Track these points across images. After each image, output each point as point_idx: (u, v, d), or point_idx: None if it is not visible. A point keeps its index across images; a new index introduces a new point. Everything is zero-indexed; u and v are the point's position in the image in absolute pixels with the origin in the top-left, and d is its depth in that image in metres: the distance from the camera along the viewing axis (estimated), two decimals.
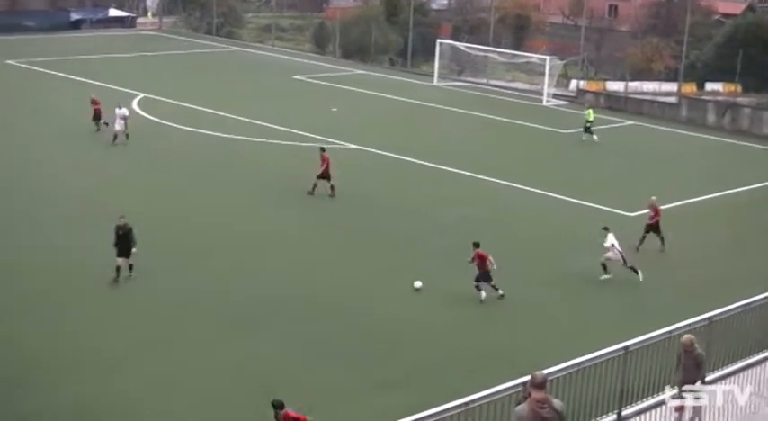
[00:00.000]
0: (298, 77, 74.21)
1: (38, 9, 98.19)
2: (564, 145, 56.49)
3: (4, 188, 41.27)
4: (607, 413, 19.90)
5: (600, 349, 19.46)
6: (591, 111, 58.07)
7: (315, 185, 41.32)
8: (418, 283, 31.60)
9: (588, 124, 56.72)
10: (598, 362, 19.03)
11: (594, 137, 56.59)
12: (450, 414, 16.05)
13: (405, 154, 50.25)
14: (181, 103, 60.25)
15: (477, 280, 31.13)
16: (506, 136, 58.23)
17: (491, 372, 23.94)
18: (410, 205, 41.53)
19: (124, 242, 30.71)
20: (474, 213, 40.66)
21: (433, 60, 77.13)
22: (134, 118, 53.79)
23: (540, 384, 14.12)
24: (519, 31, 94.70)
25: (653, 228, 36.74)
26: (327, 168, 41.40)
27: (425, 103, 65.55)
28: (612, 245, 33.36)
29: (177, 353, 26.59)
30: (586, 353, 19.11)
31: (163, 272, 32.22)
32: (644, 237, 36.74)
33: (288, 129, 54.16)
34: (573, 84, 76.07)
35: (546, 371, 15.28)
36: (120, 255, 30.70)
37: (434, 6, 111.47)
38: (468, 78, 77.86)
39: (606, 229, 33.53)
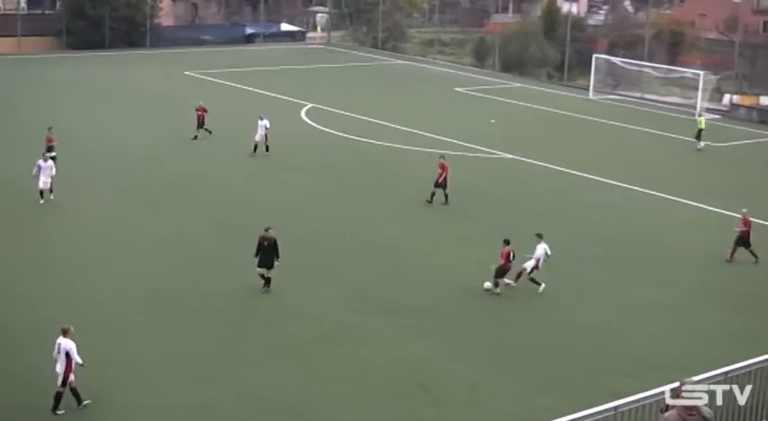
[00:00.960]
0: (458, 90, 74.35)
1: (215, 23, 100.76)
2: (716, 158, 55.34)
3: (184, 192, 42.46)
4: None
5: (752, 357, 19.02)
6: (703, 119, 58.07)
7: (433, 194, 40.85)
8: (487, 284, 31.49)
9: (701, 132, 56.82)
10: (749, 371, 18.58)
11: (701, 144, 56.54)
12: (596, 418, 15.90)
13: (560, 164, 49.95)
14: (346, 113, 60.99)
15: (497, 275, 31.29)
16: (659, 148, 57.17)
17: (642, 379, 23.74)
18: (565, 214, 41.35)
19: (268, 254, 30.12)
20: (625, 222, 40.30)
21: (589, 74, 76.32)
22: (301, 126, 54.83)
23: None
24: (674, 47, 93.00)
25: (742, 240, 35.40)
26: (446, 177, 40.84)
27: (581, 116, 64.93)
28: (540, 257, 31.68)
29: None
30: (737, 362, 18.71)
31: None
32: (734, 250, 35.43)
33: (448, 139, 54.31)
34: (726, 98, 74.26)
35: (695, 378, 15.02)
36: (261, 265, 30.14)
37: (591, 22, 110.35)
38: (623, 92, 76.80)
39: (540, 237, 31.82)
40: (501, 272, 31.43)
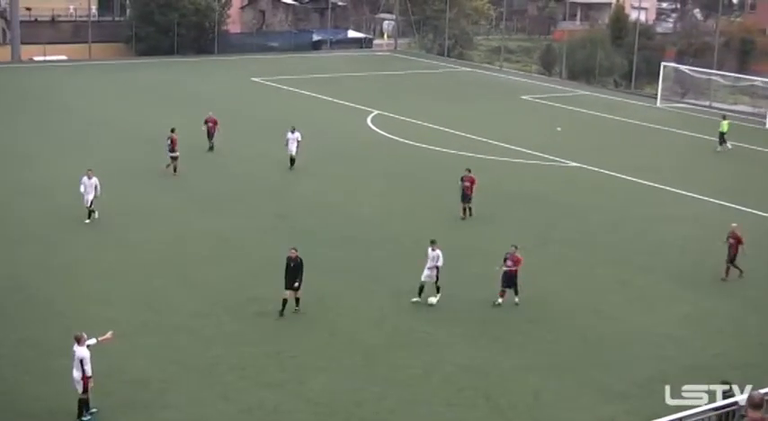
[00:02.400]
0: (525, 97, 74.25)
1: (282, 30, 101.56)
2: None
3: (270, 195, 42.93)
4: None
5: None
6: (726, 122, 57.71)
7: (465, 210, 40.07)
8: (432, 300, 30.99)
9: (723, 134, 57.00)
10: None
11: (729, 145, 56.79)
12: None
13: (626, 173, 49.72)
14: (412, 121, 61.20)
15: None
16: (728, 158, 56.60)
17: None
18: (628, 223, 41.15)
19: (293, 274, 29.15)
20: (695, 233, 40.05)
21: (657, 82, 75.80)
22: (367, 134, 55.09)
23: (757, 404, 13.61)
24: (743, 55, 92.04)
25: (732, 257, 34.18)
26: (473, 189, 39.70)
27: (648, 124, 64.53)
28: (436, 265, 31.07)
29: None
30: None
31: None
32: (728, 269, 34.28)
33: (514, 147, 54.35)
34: None
35: (763, 391, 14.91)
36: (288, 287, 29.19)
37: (659, 30, 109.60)
38: (692, 100, 76.23)
39: (434, 243, 30.67)
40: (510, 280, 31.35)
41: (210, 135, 49.77)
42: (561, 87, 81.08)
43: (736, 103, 77.00)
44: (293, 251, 29.25)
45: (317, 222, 39.12)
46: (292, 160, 46.93)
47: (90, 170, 37.81)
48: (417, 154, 52.65)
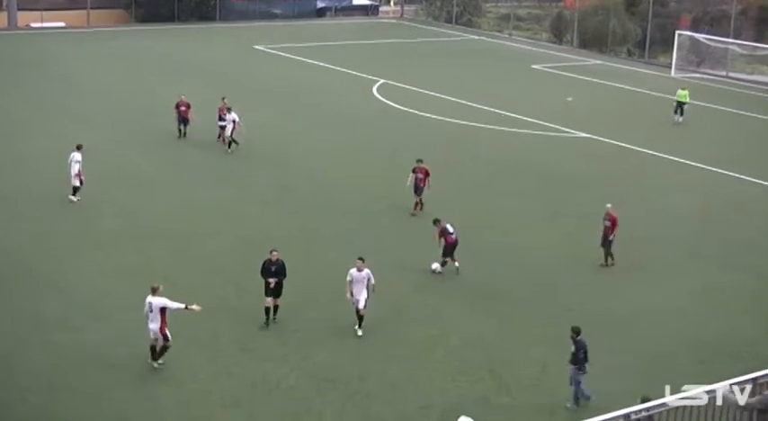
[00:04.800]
0: (535, 66, 74.13)
1: None
2: None
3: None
4: None
5: None
6: (685, 92, 56.64)
7: (416, 203, 37.44)
8: (435, 265, 31.56)
9: (681, 105, 55.82)
10: None
11: (680, 118, 55.64)
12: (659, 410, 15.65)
13: (638, 144, 49.79)
14: (419, 90, 61.20)
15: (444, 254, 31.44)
16: (744, 129, 56.63)
17: (714, 365, 23.90)
18: (639, 195, 41.36)
19: (275, 280, 27.08)
20: (708, 205, 40.40)
21: (672, 51, 75.62)
22: (373, 103, 55.19)
23: None
24: (761, 23, 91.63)
25: (608, 241, 32.68)
26: (426, 181, 37.07)
27: (662, 95, 64.36)
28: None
29: None
30: None
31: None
32: (607, 254, 32.81)
33: (524, 118, 54.36)
34: None
35: None
36: (269, 294, 27.16)
37: None
38: (707, 70, 76.07)
39: (361, 261, 27.29)
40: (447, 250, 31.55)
41: (183, 121, 45.98)
42: (572, 56, 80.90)
43: (753, 73, 76.83)
44: (275, 253, 27.08)
45: (319, 194, 39.35)
46: (230, 143, 44.53)
47: (79, 146, 37.49)
48: (424, 124, 52.70)
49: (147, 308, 24.27)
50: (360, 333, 26.74)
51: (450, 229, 31.52)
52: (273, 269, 26.97)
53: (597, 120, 55.27)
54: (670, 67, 74.69)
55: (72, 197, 36.98)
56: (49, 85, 57.88)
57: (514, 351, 26.59)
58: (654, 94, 64.90)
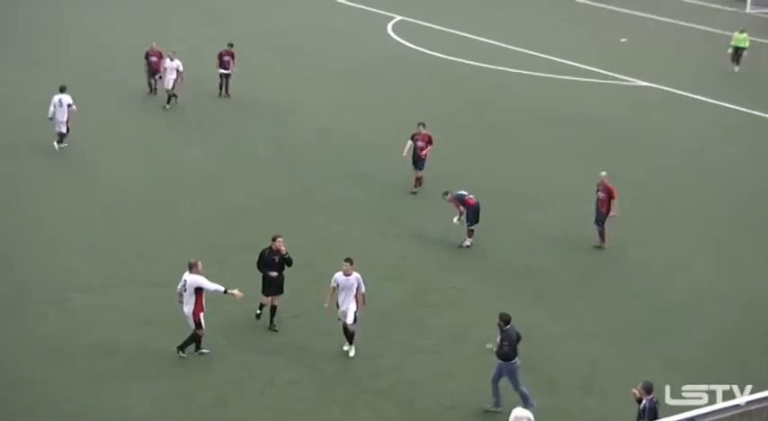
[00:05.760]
0: (581, 0, 73.49)
1: None
2: None
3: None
4: None
5: None
6: (744, 35, 55.56)
7: (416, 179, 36.33)
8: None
9: (739, 51, 54.92)
10: None
11: (737, 68, 54.91)
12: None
13: (702, 93, 49.38)
14: (440, 28, 60.64)
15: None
16: None
17: None
18: (707, 156, 41.02)
19: (277, 275, 26.03)
20: None
21: None
22: (387, 44, 54.67)
23: None
24: None
25: (602, 215, 31.72)
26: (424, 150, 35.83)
27: (733, 33, 63.66)
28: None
29: None
30: None
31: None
32: (602, 233, 31.94)
33: (567, 62, 53.88)
34: None
35: None
36: (268, 292, 26.10)
37: None
38: None
39: (349, 263, 25.26)
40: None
41: (154, 74, 45.57)
42: None
43: None
44: (279, 240, 25.86)
45: (323, 153, 39.11)
46: (170, 97, 43.83)
47: (62, 87, 37.83)
48: (446, 69, 52.17)
49: (180, 286, 24.43)
50: (351, 353, 25.17)
51: (466, 193, 31.24)
52: (276, 260, 25.88)
53: (656, 66, 54.59)
54: (744, 1, 73.99)
55: (57, 144, 37.86)
56: (18, 31, 56.80)
57: (560, 343, 26.26)
58: (723, 32, 63.66)
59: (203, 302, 24.15)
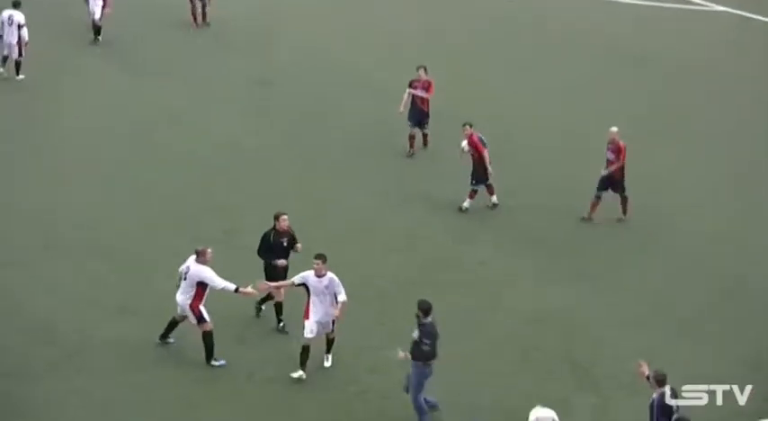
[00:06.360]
0: None
1: None
2: None
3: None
4: None
5: None
6: None
7: (412, 141, 34.50)
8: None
9: None
10: None
11: None
12: None
13: None
14: None
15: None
16: None
17: None
18: None
19: (279, 257, 24.64)
20: None
21: None
22: None
23: None
24: None
25: (613, 180, 30.21)
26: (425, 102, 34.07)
27: None
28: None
29: None
30: None
31: None
32: (598, 198, 30.44)
33: None
34: None
35: None
36: (274, 278, 24.45)
37: None
38: None
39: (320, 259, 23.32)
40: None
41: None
42: None
43: None
44: (284, 218, 24.55)
45: (313, 91, 38.05)
46: (97, 29, 41.86)
47: (17, 4, 37.49)
48: None
49: (180, 273, 23.31)
50: (328, 363, 24.06)
51: (485, 139, 30.21)
52: (285, 244, 24.40)
53: None
54: None
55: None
56: None
57: (603, 333, 25.28)
58: None
59: (205, 296, 23.13)
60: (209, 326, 23.03)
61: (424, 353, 21.34)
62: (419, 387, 21.53)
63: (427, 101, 33.37)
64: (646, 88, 40.28)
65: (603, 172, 29.79)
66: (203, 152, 33.41)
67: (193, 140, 34.31)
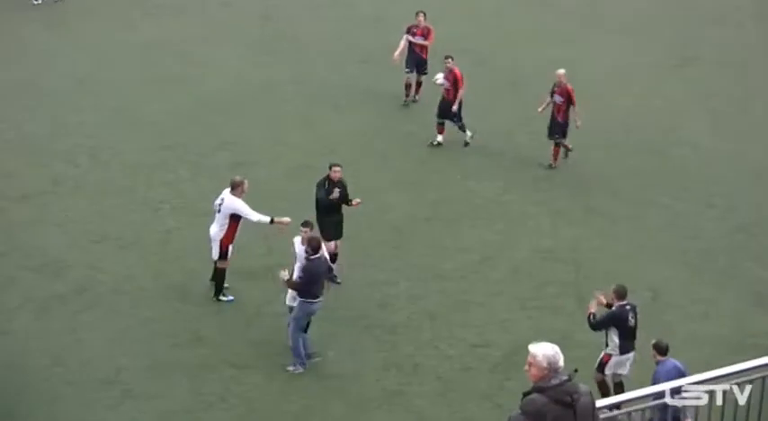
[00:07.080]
0: None
1: None
2: None
3: None
4: None
5: None
6: None
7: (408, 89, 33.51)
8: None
9: None
10: None
11: None
12: None
13: None
14: None
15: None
16: None
17: None
18: None
19: (334, 216, 24.05)
20: None
21: None
22: None
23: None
24: None
25: (559, 125, 29.19)
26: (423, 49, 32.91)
27: None
28: None
29: None
30: None
31: None
32: (557, 149, 29.64)
33: None
34: None
35: None
36: (327, 235, 23.56)
37: None
38: None
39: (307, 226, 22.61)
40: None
41: None
42: None
43: None
44: (336, 169, 23.74)
45: (321, 27, 37.71)
46: None
47: None
48: None
49: (215, 205, 23.08)
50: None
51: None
52: (339, 194, 23.63)
53: None
54: None
55: None
56: None
57: (611, 267, 24.89)
58: None
59: (237, 231, 22.91)
60: (226, 263, 22.98)
61: (306, 290, 20.74)
62: (296, 323, 21.00)
63: (426, 48, 32.43)
64: None
65: (560, 118, 28.81)
66: (213, 93, 32.81)
67: (196, 75, 33.92)
